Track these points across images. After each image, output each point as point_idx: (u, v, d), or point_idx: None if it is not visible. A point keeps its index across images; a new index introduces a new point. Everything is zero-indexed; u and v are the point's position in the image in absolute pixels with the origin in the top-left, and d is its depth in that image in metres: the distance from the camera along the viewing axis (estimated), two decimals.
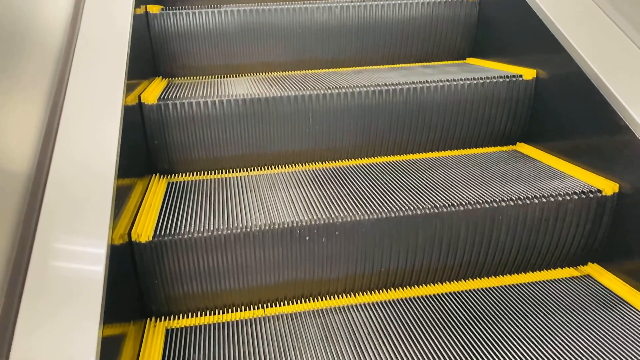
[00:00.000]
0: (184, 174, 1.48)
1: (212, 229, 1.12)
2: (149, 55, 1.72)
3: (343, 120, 1.50)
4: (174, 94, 1.45)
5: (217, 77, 1.81)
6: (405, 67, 1.81)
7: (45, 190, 0.86)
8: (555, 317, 1.13)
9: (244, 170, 1.50)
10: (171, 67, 1.80)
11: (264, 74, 1.83)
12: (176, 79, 1.80)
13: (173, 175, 1.47)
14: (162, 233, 1.10)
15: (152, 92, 1.47)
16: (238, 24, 1.77)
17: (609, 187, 1.24)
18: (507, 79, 1.53)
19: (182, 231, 1.11)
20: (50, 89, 0.98)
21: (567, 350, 1.03)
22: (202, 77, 1.82)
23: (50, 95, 0.98)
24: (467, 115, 1.55)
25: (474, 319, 1.13)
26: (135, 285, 1.11)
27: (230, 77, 1.81)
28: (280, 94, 1.44)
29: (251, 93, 1.44)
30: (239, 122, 1.45)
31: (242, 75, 1.82)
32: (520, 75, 1.53)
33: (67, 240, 0.81)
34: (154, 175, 1.44)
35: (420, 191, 1.28)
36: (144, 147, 1.41)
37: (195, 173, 1.48)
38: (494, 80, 1.53)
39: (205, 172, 1.49)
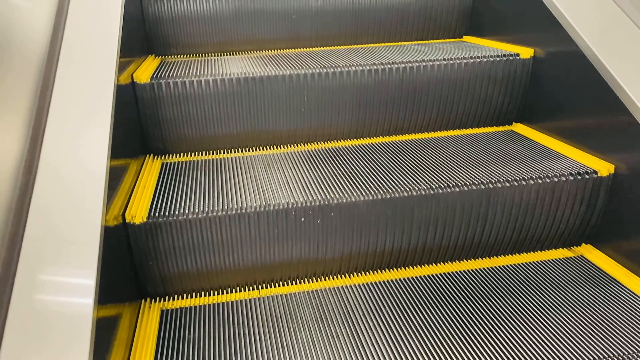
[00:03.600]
0: (178, 155, 1.46)
1: (206, 210, 1.11)
2: (142, 32, 1.69)
3: (339, 99, 1.48)
4: (167, 73, 1.43)
5: (211, 56, 1.78)
6: (401, 46, 1.79)
7: (38, 169, 0.85)
8: (549, 298, 1.14)
9: (238, 151, 1.49)
10: (164, 45, 1.77)
11: (258, 52, 1.81)
12: (169, 57, 1.77)
13: (167, 155, 1.46)
14: (157, 214, 1.09)
15: (144, 70, 1.44)
16: (233, 7, 1.74)
17: (604, 168, 1.24)
18: (504, 58, 1.51)
19: (177, 212, 1.10)
20: (40, 69, 0.96)
21: (559, 330, 1.04)
22: (196, 56, 1.79)
23: (40, 75, 0.96)
24: (464, 94, 1.54)
25: (468, 299, 1.14)
26: (130, 266, 1.11)
27: (224, 55, 1.78)
28: (275, 72, 1.42)
29: (245, 72, 1.42)
30: (233, 102, 1.43)
31: (236, 54, 1.79)
32: (518, 54, 1.52)
33: (61, 221, 0.81)
34: (148, 155, 1.43)
35: (415, 172, 1.28)
36: (138, 127, 1.39)
37: (189, 153, 1.47)
38: (491, 59, 1.51)
39: (200, 153, 1.48)
